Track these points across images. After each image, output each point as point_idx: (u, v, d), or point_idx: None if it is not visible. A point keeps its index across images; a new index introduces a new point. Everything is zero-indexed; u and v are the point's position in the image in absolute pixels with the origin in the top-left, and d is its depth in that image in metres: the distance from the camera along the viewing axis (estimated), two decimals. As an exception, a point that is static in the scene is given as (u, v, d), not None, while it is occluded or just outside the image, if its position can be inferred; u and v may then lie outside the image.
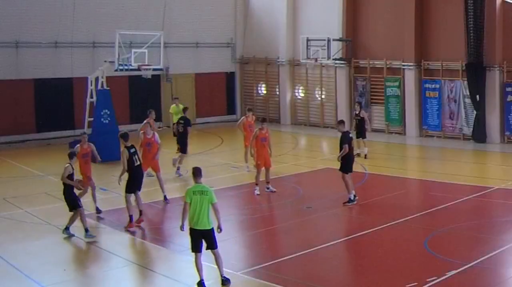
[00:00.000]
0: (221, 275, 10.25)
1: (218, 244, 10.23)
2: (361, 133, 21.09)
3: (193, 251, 10.17)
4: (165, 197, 15.89)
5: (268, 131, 17.05)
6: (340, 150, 15.31)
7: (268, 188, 16.81)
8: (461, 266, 10.69)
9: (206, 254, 11.57)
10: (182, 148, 19.17)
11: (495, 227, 13.46)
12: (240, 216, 14.93)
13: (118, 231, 13.54)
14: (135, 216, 13.54)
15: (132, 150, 13.70)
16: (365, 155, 21.01)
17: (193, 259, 10.16)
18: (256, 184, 16.68)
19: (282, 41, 30.24)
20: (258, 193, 16.62)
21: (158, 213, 15.38)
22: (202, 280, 10.08)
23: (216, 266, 10.24)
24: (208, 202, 10.15)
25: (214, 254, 10.24)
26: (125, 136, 13.81)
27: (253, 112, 20.79)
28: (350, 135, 15.79)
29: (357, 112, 21.38)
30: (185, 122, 19.20)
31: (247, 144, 19.38)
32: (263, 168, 16.78)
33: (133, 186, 13.71)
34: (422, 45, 25.71)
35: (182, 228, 10.28)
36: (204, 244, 10.20)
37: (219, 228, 10.25)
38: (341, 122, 15.94)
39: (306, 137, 25.60)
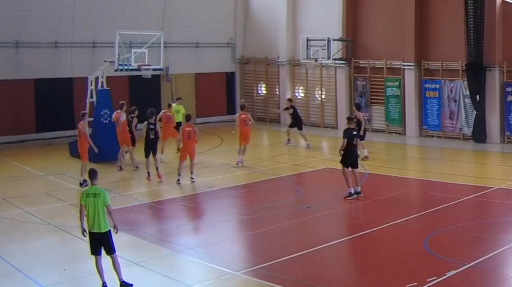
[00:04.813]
0: (120, 280, 10.07)
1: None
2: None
3: (92, 254, 10.08)
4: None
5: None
6: None
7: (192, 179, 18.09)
8: (461, 266, 10.69)
9: (209, 254, 11.59)
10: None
11: (495, 227, 13.45)
12: (240, 216, 14.94)
13: (118, 231, 13.52)
14: (152, 173, 18.17)
15: (151, 126, 18.11)
16: (365, 157, 20.86)
17: (93, 263, 10.08)
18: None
19: (282, 41, 30.24)
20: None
21: (157, 213, 15.40)
22: (104, 283, 9.98)
23: (115, 271, 10.09)
24: (102, 204, 10.01)
25: (112, 258, 10.07)
26: (150, 113, 18.30)
27: (246, 109, 21.57)
28: (354, 132, 15.93)
29: (355, 114, 21.29)
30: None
31: (242, 141, 20.47)
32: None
33: (146, 151, 18.28)
34: (422, 45, 25.71)
35: (83, 233, 10.16)
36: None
37: (115, 228, 10.19)
38: (348, 118, 16.70)
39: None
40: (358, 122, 20.68)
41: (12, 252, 12.16)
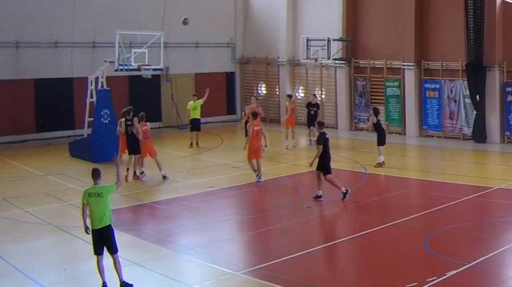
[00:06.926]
0: (121, 280, 10.08)
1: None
2: (377, 139, 20.31)
3: (95, 254, 10.10)
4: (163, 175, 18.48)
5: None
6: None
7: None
8: (461, 266, 10.69)
9: (209, 254, 11.59)
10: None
11: (495, 227, 13.45)
12: (240, 216, 14.94)
13: (118, 231, 13.48)
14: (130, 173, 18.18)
15: (128, 123, 17.99)
16: (380, 163, 19.94)
17: (95, 262, 10.10)
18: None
19: (282, 41, 30.25)
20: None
21: (158, 213, 15.39)
22: (105, 283, 9.98)
23: (115, 271, 10.10)
24: (105, 204, 10.07)
25: (113, 258, 10.08)
26: (128, 111, 18.24)
27: (294, 99, 25.31)
28: (327, 136, 15.74)
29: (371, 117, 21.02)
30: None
31: (288, 126, 23.95)
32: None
33: (128, 149, 18.34)
34: (422, 45, 25.72)
35: (86, 231, 10.20)
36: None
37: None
38: (318, 123, 16.59)
39: (306, 137, 25.55)
40: (375, 125, 20.38)
41: (12, 252, 12.16)
